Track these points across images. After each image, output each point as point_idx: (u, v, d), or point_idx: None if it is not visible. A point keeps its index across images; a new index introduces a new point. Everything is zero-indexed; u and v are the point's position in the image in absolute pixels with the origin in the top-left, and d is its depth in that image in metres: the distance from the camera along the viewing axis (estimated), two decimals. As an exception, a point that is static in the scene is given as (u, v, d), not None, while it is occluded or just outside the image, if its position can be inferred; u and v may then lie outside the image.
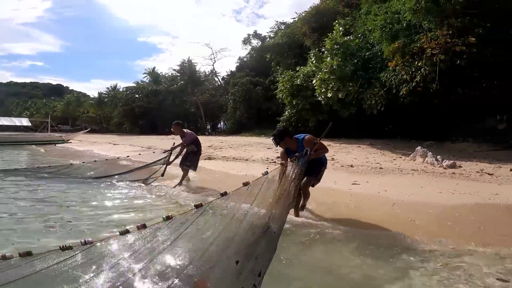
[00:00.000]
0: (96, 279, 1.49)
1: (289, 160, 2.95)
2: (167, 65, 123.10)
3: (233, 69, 36.53)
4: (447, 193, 4.48)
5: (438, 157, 7.21)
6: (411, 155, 7.93)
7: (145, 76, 43.08)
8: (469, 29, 6.77)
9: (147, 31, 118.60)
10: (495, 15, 6.72)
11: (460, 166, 6.76)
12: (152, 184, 6.03)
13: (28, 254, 1.27)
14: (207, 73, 38.11)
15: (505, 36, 6.78)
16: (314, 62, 14.13)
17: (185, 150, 5.82)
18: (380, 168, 6.73)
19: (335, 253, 2.85)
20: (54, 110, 50.53)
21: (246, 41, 33.64)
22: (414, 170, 6.37)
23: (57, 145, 21.71)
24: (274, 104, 25.00)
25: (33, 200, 4.80)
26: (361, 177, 5.83)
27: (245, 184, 2.02)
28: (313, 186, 3.80)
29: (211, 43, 59.70)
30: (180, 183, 5.79)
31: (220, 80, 37.97)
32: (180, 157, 5.91)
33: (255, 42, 33.56)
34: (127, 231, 1.53)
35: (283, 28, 28.70)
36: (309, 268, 2.62)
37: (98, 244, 1.48)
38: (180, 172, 6.06)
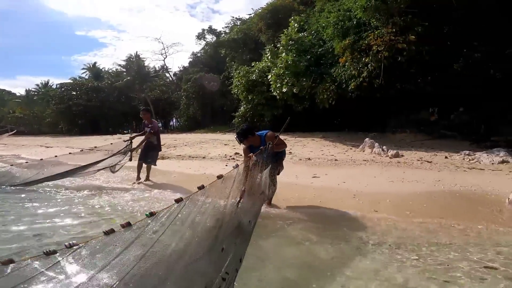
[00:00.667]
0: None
1: (253, 155, 2.94)
2: (111, 61, 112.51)
3: (186, 64, 35.17)
4: (397, 181, 4.80)
5: (384, 147, 7.78)
6: (361, 146, 8.44)
7: (84, 72, 38.89)
8: (410, 27, 7.43)
9: (88, 24, 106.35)
10: (433, 14, 7.49)
11: (402, 155, 7.38)
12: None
13: (11, 261, 1.18)
14: (157, 69, 35.92)
15: (439, 34, 7.63)
16: (269, 57, 14.19)
17: (145, 140, 5.80)
18: (335, 160, 6.99)
19: (304, 246, 2.78)
20: (-29, 110, 42.66)
21: (200, 36, 32.55)
22: (365, 160, 6.76)
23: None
24: (229, 100, 24.70)
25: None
26: (319, 170, 5.96)
27: (219, 177, 2.11)
28: (278, 173, 3.93)
29: (162, 38, 56.39)
30: (147, 178, 5.85)
31: (172, 76, 36.13)
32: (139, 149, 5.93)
33: (210, 38, 32.71)
34: (112, 231, 1.46)
35: (239, 24, 28.43)
36: (281, 261, 2.54)
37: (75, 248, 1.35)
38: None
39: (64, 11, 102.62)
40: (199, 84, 26.13)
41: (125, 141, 6.11)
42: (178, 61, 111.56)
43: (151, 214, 1.60)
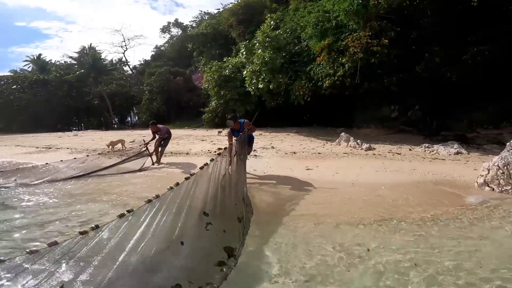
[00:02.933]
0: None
1: (234, 139, 4.47)
2: (56, 53, 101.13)
3: (148, 58, 33.42)
4: (381, 171, 5.37)
5: (358, 141, 8.51)
6: (337, 141, 9.08)
7: (27, 64, 34.55)
8: (384, 31, 8.22)
9: (30, 15, 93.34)
10: (404, 20, 8.37)
11: (374, 148, 8.18)
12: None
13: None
14: (114, 62, 33.43)
15: (407, 39, 8.58)
16: (244, 53, 14.24)
17: (157, 140, 7.37)
18: (319, 153, 7.46)
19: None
20: None
21: (165, 29, 31.23)
22: (345, 153, 7.34)
23: None
24: (196, 95, 24.20)
25: None
26: (308, 162, 6.33)
27: (212, 159, 3.03)
28: (249, 153, 5.41)
29: (122, 30, 52.54)
30: (158, 162, 7.18)
31: (132, 70, 33.94)
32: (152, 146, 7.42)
33: (175, 31, 31.46)
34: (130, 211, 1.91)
35: (206, 18, 27.82)
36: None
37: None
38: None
39: (4, 1, 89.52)
40: (164, 78, 25.06)
41: (141, 146, 7.61)
42: (138, 55, 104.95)
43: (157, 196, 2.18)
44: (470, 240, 2.74)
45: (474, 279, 2.11)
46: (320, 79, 9.98)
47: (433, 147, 7.91)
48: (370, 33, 8.08)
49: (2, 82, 29.26)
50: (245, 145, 4.59)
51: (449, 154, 7.19)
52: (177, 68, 26.12)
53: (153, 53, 32.76)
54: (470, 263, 2.31)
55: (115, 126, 30.45)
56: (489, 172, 4.14)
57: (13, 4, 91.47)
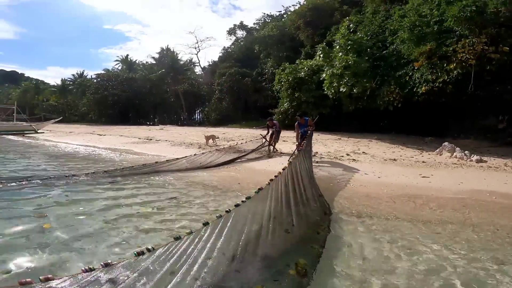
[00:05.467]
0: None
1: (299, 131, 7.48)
2: (136, 54, 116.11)
3: (216, 59, 35.75)
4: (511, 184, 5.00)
5: (466, 152, 7.91)
6: (437, 150, 8.56)
7: (117, 64, 40.21)
8: (503, 38, 7.54)
9: (115, 18, 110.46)
10: None
11: (485, 161, 7.50)
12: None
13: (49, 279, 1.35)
14: (186, 63, 36.72)
15: None
16: (321, 56, 14.33)
17: (270, 132, 9.30)
18: (423, 162, 7.16)
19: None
20: (9, 98, 45.19)
21: (231, 31, 32.99)
22: (455, 164, 6.91)
23: (26, 135, 19.28)
24: (263, 96, 25.01)
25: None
26: (418, 170, 6.14)
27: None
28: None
29: (194, 32, 58.29)
30: (274, 150, 9.29)
31: (202, 70, 36.78)
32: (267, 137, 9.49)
33: (241, 33, 33.11)
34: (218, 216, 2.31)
35: (269, 20, 28.69)
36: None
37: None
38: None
39: (93, 5, 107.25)
40: (233, 79, 26.50)
41: (261, 138, 9.70)
42: (207, 56, 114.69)
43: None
44: None
45: None
46: (417, 84, 9.53)
47: (560, 164, 6.94)
48: (486, 40, 7.46)
49: (99, 79, 34.49)
50: (310, 139, 6.88)
51: None
52: (244, 69, 27.31)
53: (220, 54, 34.94)
54: None
55: (185, 122, 33.35)
56: None
57: (100, 8, 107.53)
